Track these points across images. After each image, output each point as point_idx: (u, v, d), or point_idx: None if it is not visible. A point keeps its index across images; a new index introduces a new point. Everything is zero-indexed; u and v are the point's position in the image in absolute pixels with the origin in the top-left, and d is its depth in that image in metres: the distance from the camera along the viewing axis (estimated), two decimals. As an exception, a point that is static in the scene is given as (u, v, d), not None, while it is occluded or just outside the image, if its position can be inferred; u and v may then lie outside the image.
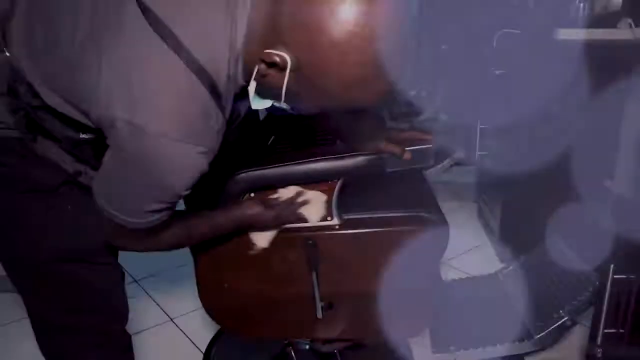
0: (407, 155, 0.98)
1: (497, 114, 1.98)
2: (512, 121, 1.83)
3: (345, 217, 1.01)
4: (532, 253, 1.74)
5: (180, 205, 0.86)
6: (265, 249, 1.01)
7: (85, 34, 0.70)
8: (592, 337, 1.28)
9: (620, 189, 1.23)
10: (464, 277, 1.86)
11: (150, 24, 0.67)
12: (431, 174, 1.40)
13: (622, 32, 1.46)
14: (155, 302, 1.88)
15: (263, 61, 0.67)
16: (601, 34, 1.49)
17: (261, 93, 0.74)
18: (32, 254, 0.88)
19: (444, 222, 1.02)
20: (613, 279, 1.24)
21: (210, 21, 0.69)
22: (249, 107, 0.78)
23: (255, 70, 0.69)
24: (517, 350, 1.45)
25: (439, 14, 2.29)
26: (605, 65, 1.33)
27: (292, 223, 1.00)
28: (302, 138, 1.23)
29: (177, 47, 0.67)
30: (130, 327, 1.04)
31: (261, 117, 1.38)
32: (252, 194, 1.01)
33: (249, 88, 0.72)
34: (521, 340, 1.45)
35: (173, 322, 1.77)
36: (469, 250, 2.12)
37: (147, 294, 1.93)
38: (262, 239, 1.01)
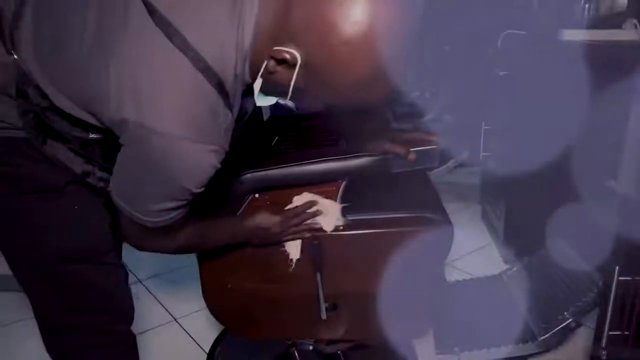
0: (411, 156, 0.98)
1: (501, 115, 1.97)
2: (516, 122, 1.83)
3: (350, 217, 1.01)
4: (536, 254, 1.73)
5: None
6: (268, 248, 1.02)
7: (92, 35, 0.70)
8: (597, 339, 1.28)
9: (625, 190, 1.23)
10: (468, 278, 1.85)
11: (156, 24, 0.68)
12: (435, 174, 1.39)
13: (627, 33, 1.46)
14: (159, 302, 1.88)
15: (272, 58, 0.68)
16: (606, 34, 1.48)
17: (267, 90, 0.74)
18: (37, 254, 0.89)
19: (448, 223, 1.02)
20: (618, 280, 1.24)
21: (217, 21, 0.70)
22: (255, 103, 0.78)
23: (263, 67, 0.70)
24: (521, 351, 1.44)
25: (442, 14, 2.28)
26: (610, 66, 1.32)
27: (307, 234, 1.00)
28: (306, 139, 1.23)
29: (183, 46, 0.67)
30: (134, 327, 1.05)
31: (265, 117, 1.39)
32: (257, 195, 1.01)
33: (255, 85, 0.73)
34: (525, 341, 1.44)
35: (177, 322, 1.77)
36: (472, 252, 2.12)
37: (151, 294, 1.93)
38: (294, 250, 1.02)
